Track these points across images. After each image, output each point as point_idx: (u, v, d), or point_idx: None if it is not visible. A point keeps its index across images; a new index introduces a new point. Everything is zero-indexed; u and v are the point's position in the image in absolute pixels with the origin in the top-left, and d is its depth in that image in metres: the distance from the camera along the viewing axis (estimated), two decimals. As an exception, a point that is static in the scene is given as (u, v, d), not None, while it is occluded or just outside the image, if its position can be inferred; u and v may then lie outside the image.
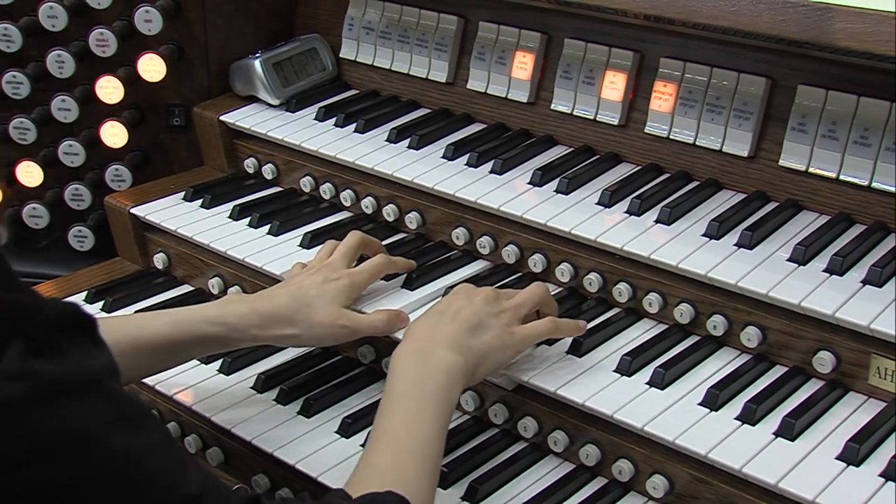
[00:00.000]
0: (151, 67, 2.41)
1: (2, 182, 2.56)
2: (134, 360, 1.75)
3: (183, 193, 2.37)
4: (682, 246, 1.82)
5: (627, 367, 1.73)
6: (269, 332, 1.80)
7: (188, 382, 1.99)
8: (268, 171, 2.40)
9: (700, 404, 1.65)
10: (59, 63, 2.40)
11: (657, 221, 1.90)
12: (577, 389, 1.69)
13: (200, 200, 2.33)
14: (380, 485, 1.40)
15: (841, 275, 1.71)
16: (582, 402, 1.67)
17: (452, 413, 1.60)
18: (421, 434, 1.51)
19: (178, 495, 1.11)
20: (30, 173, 2.52)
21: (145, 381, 1.98)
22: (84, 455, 1.06)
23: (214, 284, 2.22)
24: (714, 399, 1.64)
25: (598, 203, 1.97)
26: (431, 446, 1.51)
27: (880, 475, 1.49)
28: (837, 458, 1.52)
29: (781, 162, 1.91)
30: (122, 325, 1.80)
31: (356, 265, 1.94)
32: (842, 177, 1.85)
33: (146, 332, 1.78)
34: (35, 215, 2.53)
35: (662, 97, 2.04)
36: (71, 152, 2.47)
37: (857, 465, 1.51)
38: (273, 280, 2.07)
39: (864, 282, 1.69)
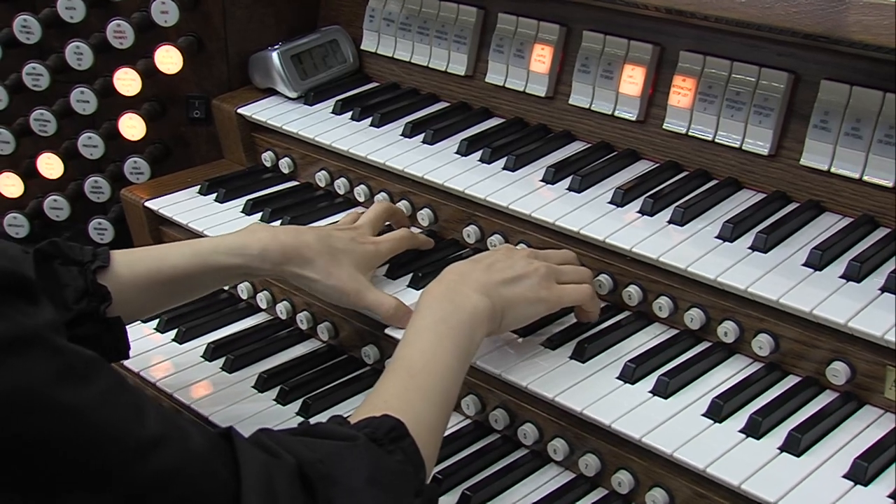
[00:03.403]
0: (168, 59, 2.39)
1: (22, 173, 2.55)
2: (154, 291, 1.76)
3: (199, 187, 2.34)
4: (694, 248, 1.75)
5: (631, 374, 1.66)
6: (288, 267, 1.79)
7: (191, 379, 1.96)
8: (285, 164, 2.37)
9: (704, 415, 1.58)
10: (78, 55, 2.39)
11: (670, 222, 1.82)
12: (576, 396, 1.63)
13: (215, 194, 2.31)
14: (383, 411, 1.38)
15: (858, 281, 1.62)
16: (580, 410, 1.60)
17: (474, 353, 1.59)
18: (436, 366, 1.50)
19: (135, 440, 1.09)
20: (50, 165, 2.51)
21: (146, 376, 1.96)
22: (33, 410, 1.04)
23: (225, 279, 2.19)
24: (718, 410, 1.56)
25: (611, 202, 1.90)
26: (445, 380, 1.50)
27: (889, 496, 1.40)
28: (844, 477, 1.44)
29: (803, 161, 1.82)
30: (142, 257, 1.79)
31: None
32: (865, 177, 1.75)
33: (165, 265, 1.77)
34: (56, 207, 2.53)
35: (681, 92, 1.96)
36: (90, 144, 2.46)
37: (865, 484, 1.42)
38: (283, 277, 2.05)
39: (883, 289, 1.60)
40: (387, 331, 1.85)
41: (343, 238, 1.85)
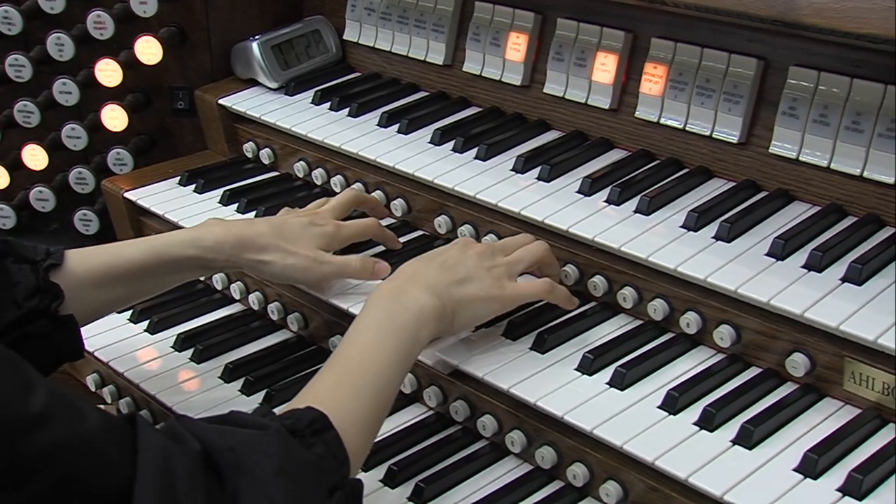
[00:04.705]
0: (148, 50, 2.39)
1: (8, 165, 2.56)
2: (110, 287, 1.75)
3: (178, 178, 2.34)
4: (657, 238, 1.72)
5: (589, 365, 1.63)
6: (245, 255, 1.79)
7: (159, 369, 1.96)
8: (265, 155, 2.36)
9: (659, 407, 1.55)
10: (59, 46, 2.40)
11: (636, 211, 1.80)
12: (532, 387, 1.61)
13: (194, 185, 2.30)
14: (309, 403, 1.36)
15: (820, 271, 1.58)
16: (534, 402, 1.58)
17: (417, 354, 1.57)
18: (373, 364, 1.48)
19: (14, 416, 1.07)
20: (35, 157, 2.52)
21: (115, 366, 1.97)
22: None
23: (201, 270, 2.19)
24: (673, 402, 1.54)
25: (579, 191, 1.88)
26: (380, 378, 1.48)
27: (838, 489, 1.37)
28: (795, 470, 1.41)
29: (772, 149, 1.79)
30: (97, 253, 1.78)
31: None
32: (833, 165, 1.71)
33: (121, 259, 1.76)
34: (41, 198, 2.53)
35: (653, 80, 1.93)
36: (73, 136, 2.47)
37: (815, 477, 1.39)
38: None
39: (844, 279, 1.56)
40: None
41: (297, 222, 1.85)
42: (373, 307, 1.57)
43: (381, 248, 1.99)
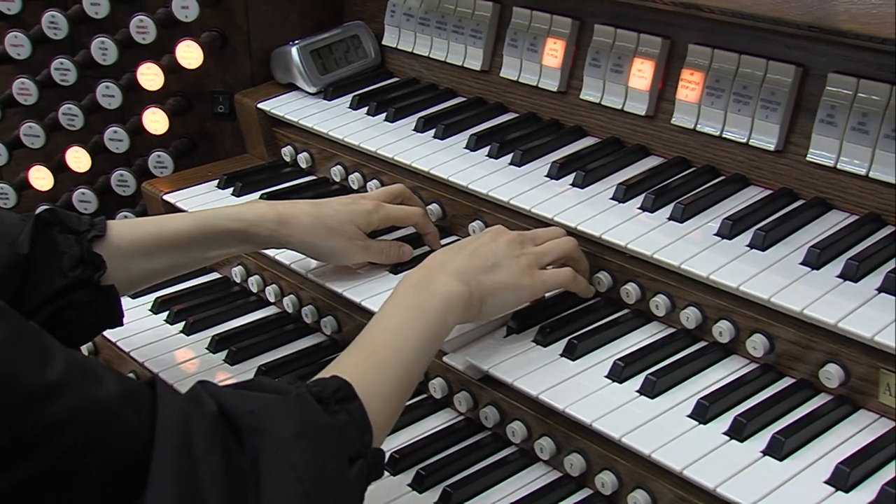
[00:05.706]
0: (189, 54, 2.41)
1: (52, 167, 2.60)
2: (155, 257, 1.81)
3: (217, 181, 2.36)
4: (691, 245, 1.70)
5: (619, 372, 1.62)
6: (285, 230, 1.85)
7: (193, 370, 1.98)
8: (303, 159, 2.37)
9: (689, 416, 1.53)
10: (103, 50, 2.43)
11: (670, 219, 1.78)
12: (561, 394, 1.60)
13: (232, 188, 2.32)
14: (334, 374, 1.38)
15: (855, 281, 1.56)
16: (562, 409, 1.57)
17: (444, 338, 1.59)
18: (399, 344, 1.50)
19: (28, 385, 1.07)
20: (78, 159, 2.56)
21: (150, 366, 1.99)
22: None
23: (237, 273, 2.21)
24: (703, 411, 1.52)
25: (613, 198, 1.87)
26: (406, 357, 1.50)
27: (870, 503, 1.35)
28: (826, 482, 1.39)
29: (809, 157, 1.77)
30: (143, 223, 1.84)
31: None
32: (872, 174, 1.69)
33: (167, 229, 1.82)
34: (84, 200, 2.57)
35: (689, 86, 1.91)
36: (115, 138, 2.50)
37: (847, 490, 1.37)
38: (292, 272, 2.05)
39: (880, 289, 1.54)
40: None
41: (340, 202, 1.92)
42: (401, 294, 1.59)
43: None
